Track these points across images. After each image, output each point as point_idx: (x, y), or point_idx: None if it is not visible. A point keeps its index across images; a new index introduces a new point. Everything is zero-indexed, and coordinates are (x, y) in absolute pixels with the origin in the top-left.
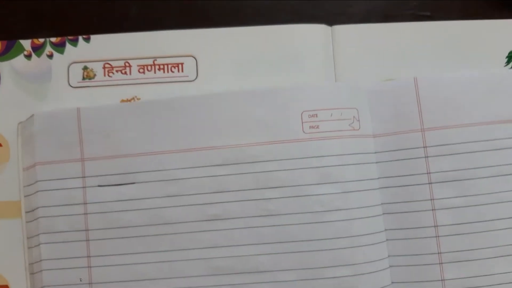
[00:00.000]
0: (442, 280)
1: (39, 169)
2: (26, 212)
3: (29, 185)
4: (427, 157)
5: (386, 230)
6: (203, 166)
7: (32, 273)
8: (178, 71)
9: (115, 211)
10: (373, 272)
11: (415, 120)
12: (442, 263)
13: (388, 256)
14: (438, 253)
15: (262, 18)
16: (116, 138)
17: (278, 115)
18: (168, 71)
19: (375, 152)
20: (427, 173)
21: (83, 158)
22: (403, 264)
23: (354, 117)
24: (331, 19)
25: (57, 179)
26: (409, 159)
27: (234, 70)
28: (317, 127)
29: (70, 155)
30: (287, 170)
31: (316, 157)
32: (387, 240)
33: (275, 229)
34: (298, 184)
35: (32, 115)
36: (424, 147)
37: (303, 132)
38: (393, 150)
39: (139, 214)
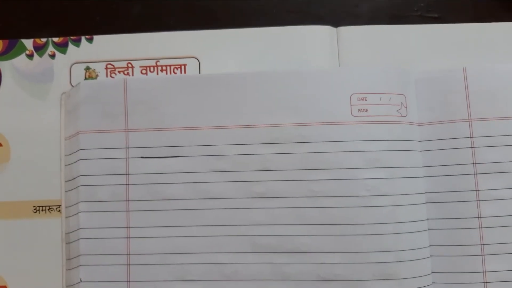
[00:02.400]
0: (483, 272)
1: (82, 137)
2: (66, 181)
3: (70, 154)
4: (474, 147)
5: (428, 219)
6: (249, 144)
7: (68, 243)
8: (181, 72)
9: (157, 183)
10: (414, 260)
11: (462, 110)
12: (484, 255)
13: (430, 245)
14: (481, 244)
15: (266, 19)
16: (162, 110)
17: (328, 96)
18: (170, 73)
19: (421, 141)
20: (473, 163)
21: (127, 129)
22: (444, 254)
23: (402, 103)
24: (337, 20)
25: (100, 149)
26: (455, 148)
27: (235, 72)
28: (366, 110)
29: (114, 125)
30: (334, 152)
31: (364, 141)
32: (429, 229)
33: (319, 211)
34: (345, 167)
35: (79, 84)
36: (471, 137)
37: (352, 115)
38: (438, 139)
39: (181, 187)
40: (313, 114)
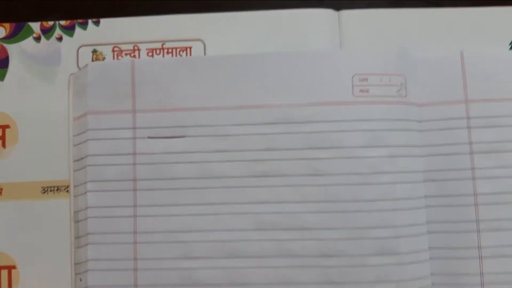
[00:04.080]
0: (478, 247)
1: (90, 118)
2: (74, 161)
3: (78, 135)
4: (470, 127)
5: (426, 196)
6: (253, 124)
7: (76, 221)
8: (187, 54)
9: (164, 163)
10: (412, 235)
11: (459, 92)
12: (479, 231)
13: (427, 222)
14: (476, 220)
15: (269, 2)
16: (169, 91)
17: (330, 77)
18: (176, 55)
19: (420, 121)
20: (469, 143)
21: (134, 110)
22: (441, 231)
23: (401, 84)
24: (338, 4)
25: (108, 129)
26: (451, 129)
27: (240, 53)
28: (367, 91)
29: (121, 106)
30: (336, 131)
31: (365, 120)
32: (427, 206)
33: (321, 189)
34: (347, 145)
35: (86, 65)
36: (467, 118)
37: (353, 95)
38: (436, 120)
39: (188, 167)
40: (316, 95)
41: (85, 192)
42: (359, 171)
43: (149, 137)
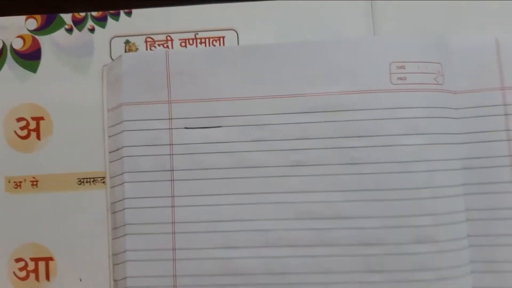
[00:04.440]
0: None
1: (126, 109)
2: (110, 152)
3: (113, 126)
4: (507, 114)
5: (464, 184)
6: (289, 113)
7: (113, 212)
8: (220, 44)
9: (201, 153)
10: (451, 223)
11: (495, 78)
12: None
13: (466, 209)
14: None
15: None
16: (204, 81)
17: (367, 65)
18: (209, 45)
19: (456, 108)
20: (506, 130)
21: (170, 100)
22: (479, 218)
23: (438, 71)
24: None
25: (143, 120)
26: (488, 116)
27: (275, 43)
28: (405, 78)
29: (157, 96)
30: (374, 119)
31: (403, 108)
32: (465, 194)
33: (359, 177)
34: (384, 133)
35: (120, 56)
36: (504, 105)
37: (391, 83)
38: (473, 107)
39: (224, 156)
40: (352, 83)
41: (122, 183)
42: (397, 159)
43: (185, 128)
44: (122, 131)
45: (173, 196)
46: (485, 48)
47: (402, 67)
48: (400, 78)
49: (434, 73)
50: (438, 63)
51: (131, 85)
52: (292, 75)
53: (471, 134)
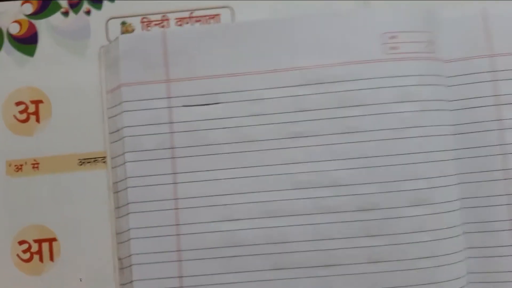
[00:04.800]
0: (506, 194)
1: (124, 90)
2: (110, 133)
3: (113, 107)
4: (494, 81)
5: (456, 149)
6: (285, 87)
7: (116, 192)
8: (215, 22)
9: (201, 130)
10: (445, 186)
11: (483, 46)
12: (507, 179)
13: (456, 174)
14: (503, 169)
15: None
16: (201, 60)
17: (360, 36)
18: (205, 23)
19: (447, 76)
20: (494, 95)
21: (168, 79)
22: (470, 181)
23: (429, 40)
24: None
25: (143, 100)
26: (476, 82)
27: (268, 19)
28: (397, 48)
29: (155, 76)
30: (368, 89)
31: (396, 76)
32: (456, 158)
33: (355, 145)
34: (378, 102)
35: (117, 38)
36: (491, 71)
37: (384, 52)
38: (462, 75)
39: (224, 132)
40: (346, 54)
41: (124, 163)
42: (391, 126)
43: (184, 106)
44: (122, 112)
45: (175, 173)
46: (473, 17)
47: (394, 37)
48: (393, 48)
49: (425, 42)
50: (429, 31)
51: (129, 66)
52: (287, 49)
53: (461, 101)
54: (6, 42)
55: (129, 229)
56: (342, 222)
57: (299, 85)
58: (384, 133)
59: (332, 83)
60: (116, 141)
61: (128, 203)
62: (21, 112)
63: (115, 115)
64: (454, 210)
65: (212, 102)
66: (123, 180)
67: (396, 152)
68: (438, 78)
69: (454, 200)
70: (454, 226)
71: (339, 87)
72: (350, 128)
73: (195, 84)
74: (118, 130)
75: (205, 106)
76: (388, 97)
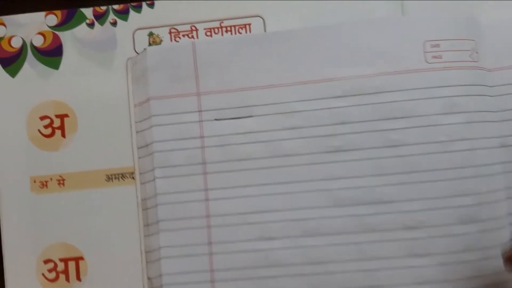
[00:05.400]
0: None
1: (153, 103)
2: (139, 147)
3: (141, 121)
4: None
5: (503, 162)
6: (322, 98)
7: (145, 209)
8: (246, 32)
9: (233, 144)
10: (493, 202)
11: None
12: None
13: (504, 188)
14: None
15: None
16: (233, 71)
17: (400, 44)
18: (235, 33)
19: (492, 86)
20: None
21: (199, 92)
22: None
23: (473, 48)
24: None
25: (172, 114)
26: None
27: (302, 27)
28: (440, 57)
29: (185, 89)
30: (411, 100)
31: (440, 87)
32: (504, 172)
33: (399, 160)
34: (422, 114)
35: (145, 49)
36: None
37: (426, 61)
38: (507, 84)
39: (258, 146)
40: (386, 64)
41: (153, 179)
42: (437, 139)
43: (216, 119)
44: (151, 126)
45: (207, 189)
46: None
47: (437, 45)
48: (435, 57)
49: (469, 50)
50: (473, 40)
51: (157, 78)
52: (322, 59)
53: (508, 112)
54: (30, 55)
55: (159, 248)
56: (386, 241)
57: (336, 97)
58: (429, 147)
59: (372, 94)
60: (144, 156)
61: (158, 221)
62: (46, 126)
63: (144, 130)
64: (502, 227)
65: (245, 115)
66: (152, 197)
67: (442, 166)
68: (483, 88)
69: (503, 217)
70: (502, 245)
71: (379, 98)
72: (393, 141)
73: (226, 97)
74: (147, 145)
75: (238, 120)
76: (432, 108)
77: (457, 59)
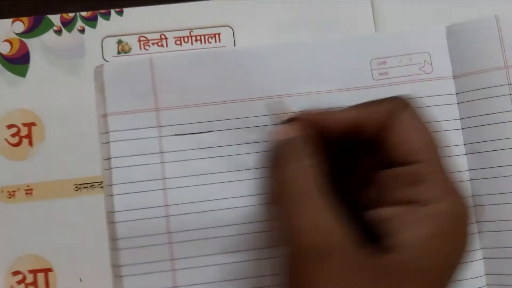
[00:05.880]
0: None
1: (111, 119)
2: (103, 159)
3: (104, 133)
4: None
5: (470, 169)
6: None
7: (110, 222)
8: (215, 41)
9: (194, 159)
10: None
11: (498, 58)
12: None
13: (472, 195)
14: None
15: None
16: (191, 87)
17: (349, 63)
18: (205, 42)
19: (456, 93)
20: None
21: (157, 108)
22: (488, 203)
23: (425, 61)
24: None
25: (131, 129)
26: (493, 97)
27: (271, 38)
28: (386, 73)
29: (144, 105)
30: None
31: None
32: (470, 179)
33: None
34: None
35: (102, 65)
36: (508, 84)
37: (373, 78)
38: (475, 90)
39: (218, 161)
40: (336, 81)
41: (112, 195)
42: None
43: (175, 134)
44: (109, 142)
45: (167, 205)
46: (485, 27)
47: (383, 63)
48: (382, 73)
49: (420, 63)
50: (425, 52)
51: (115, 94)
52: (277, 76)
53: (475, 118)
54: None
55: (120, 266)
56: None
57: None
58: None
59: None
60: (107, 169)
61: (117, 239)
62: (13, 135)
63: (106, 143)
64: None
65: (205, 131)
66: (112, 212)
67: None
68: (439, 98)
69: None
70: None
71: None
72: None
73: (186, 112)
74: (108, 159)
75: (198, 135)
76: None
77: (405, 74)
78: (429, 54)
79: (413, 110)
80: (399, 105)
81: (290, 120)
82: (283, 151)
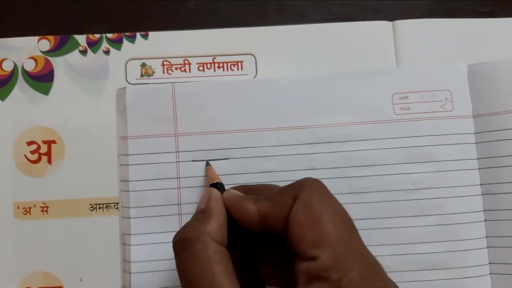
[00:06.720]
0: None
1: (131, 143)
2: (121, 181)
3: (123, 155)
4: None
5: (485, 210)
6: (295, 144)
7: (123, 244)
8: (238, 69)
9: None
10: (466, 250)
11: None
12: None
13: (486, 236)
14: None
15: (321, 13)
16: (210, 114)
17: (370, 96)
18: (227, 69)
19: (475, 133)
20: None
21: (177, 133)
22: (501, 245)
23: (446, 98)
24: (391, 13)
25: (150, 153)
26: (510, 139)
27: (293, 67)
28: (408, 108)
29: (164, 130)
30: (379, 149)
31: (407, 137)
32: (485, 220)
33: (366, 206)
34: (389, 162)
35: (125, 87)
36: None
37: (394, 113)
38: (493, 131)
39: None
40: (357, 114)
41: (129, 218)
42: (403, 187)
43: (193, 160)
44: (128, 165)
45: None
46: (505, 68)
47: (405, 98)
48: (403, 108)
49: (441, 101)
50: (447, 90)
51: (136, 118)
52: (297, 107)
53: (492, 159)
54: (21, 79)
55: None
56: None
57: (310, 143)
58: (395, 194)
59: (343, 142)
60: (125, 191)
61: (131, 262)
62: (32, 152)
63: (125, 164)
64: (480, 276)
65: (222, 158)
66: (128, 234)
67: (408, 213)
68: (458, 136)
69: (480, 265)
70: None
71: (349, 146)
72: (362, 188)
73: (204, 139)
74: (126, 181)
75: (214, 161)
76: (398, 157)
77: (426, 110)
78: (450, 92)
79: (310, 196)
80: (297, 194)
81: (213, 185)
82: (193, 248)
